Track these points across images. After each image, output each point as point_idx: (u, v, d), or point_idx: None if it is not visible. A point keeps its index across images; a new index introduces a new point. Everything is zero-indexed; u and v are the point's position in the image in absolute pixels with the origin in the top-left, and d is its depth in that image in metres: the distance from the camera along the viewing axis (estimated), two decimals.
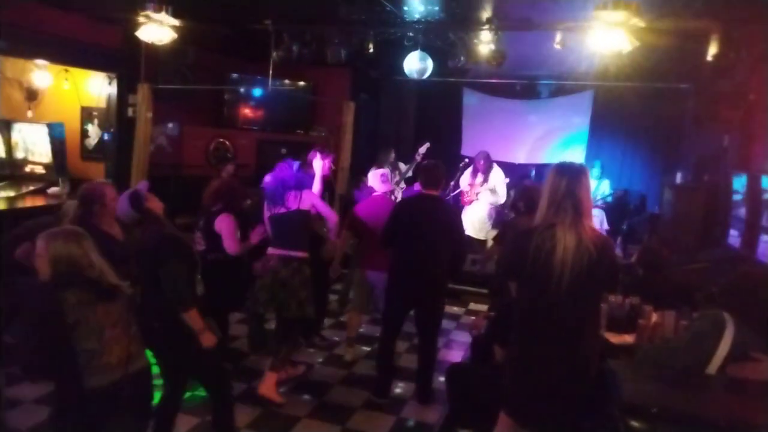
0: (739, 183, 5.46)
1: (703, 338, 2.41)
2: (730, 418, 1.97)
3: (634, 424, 1.94)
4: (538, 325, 2.59)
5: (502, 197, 7.53)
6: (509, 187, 7.50)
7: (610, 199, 7.97)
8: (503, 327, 2.91)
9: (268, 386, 4.05)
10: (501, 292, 3.40)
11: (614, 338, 3.32)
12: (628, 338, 3.32)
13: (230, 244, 4.13)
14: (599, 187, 8.02)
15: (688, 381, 2.33)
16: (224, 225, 4.15)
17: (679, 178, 6.78)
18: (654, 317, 3.31)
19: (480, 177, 7.52)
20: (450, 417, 3.57)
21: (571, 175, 2.57)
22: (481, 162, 7.45)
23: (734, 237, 5.51)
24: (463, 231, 4.38)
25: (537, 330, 2.59)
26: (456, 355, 5.32)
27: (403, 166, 7.31)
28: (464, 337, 5.63)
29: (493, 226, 7.61)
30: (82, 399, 2.36)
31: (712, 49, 5.47)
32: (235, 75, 8.28)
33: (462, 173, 7.72)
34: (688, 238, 5.94)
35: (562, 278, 2.45)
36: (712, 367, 2.32)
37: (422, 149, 7.16)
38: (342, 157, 7.37)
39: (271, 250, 4.15)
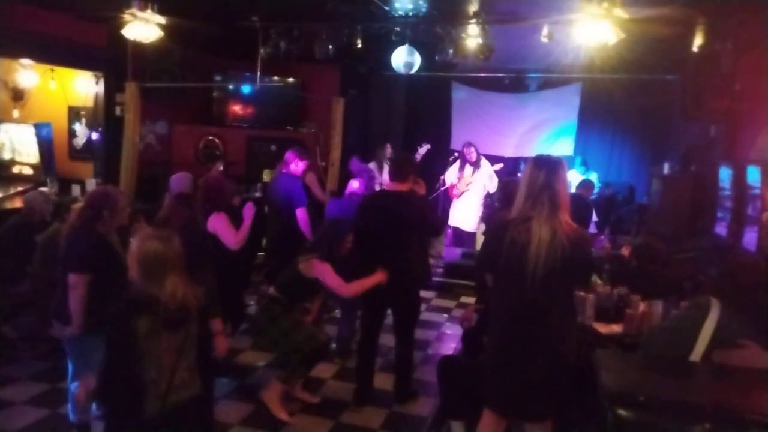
0: (726, 173, 5.52)
1: (685, 320, 2.44)
2: (717, 404, 1.99)
3: (621, 412, 1.96)
4: (514, 318, 2.61)
5: (494, 187, 7.56)
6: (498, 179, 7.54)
7: (593, 196, 8.01)
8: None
9: (270, 396, 3.89)
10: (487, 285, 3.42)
11: (602, 328, 3.37)
12: (616, 328, 3.37)
13: (229, 239, 4.08)
14: None
15: (675, 368, 2.35)
16: (217, 224, 4.11)
17: (666, 168, 6.83)
18: (641, 307, 3.35)
19: (469, 168, 7.53)
20: (441, 409, 3.59)
21: (548, 167, 2.59)
22: (473, 152, 7.48)
23: (721, 228, 5.57)
24: (434, 218, 4.18)
25: (513, 322, 2.61)
26: (447, 347, 5.34)
27: None
28: (456, 330, 5.66)
29: (482, 219, 7.65)
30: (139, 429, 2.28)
31: (698, 40, 5.51)
32: (223, 72, 8.25)
33: (450, 167, 7.75)
34: (675, 228, 6.00)
35: (536, 271, 2.48)
36: (697, 351, 2.34)
37: (422, 150, 7.17)
38: (332, 153, 7.37)
39: None
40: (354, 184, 4.93)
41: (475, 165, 7.52)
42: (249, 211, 4.17)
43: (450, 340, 5.52)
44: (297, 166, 5.13)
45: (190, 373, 2.38)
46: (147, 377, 2.24)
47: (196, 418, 2.45)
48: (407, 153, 4.32)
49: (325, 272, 3.75)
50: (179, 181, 4.20)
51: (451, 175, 7.70)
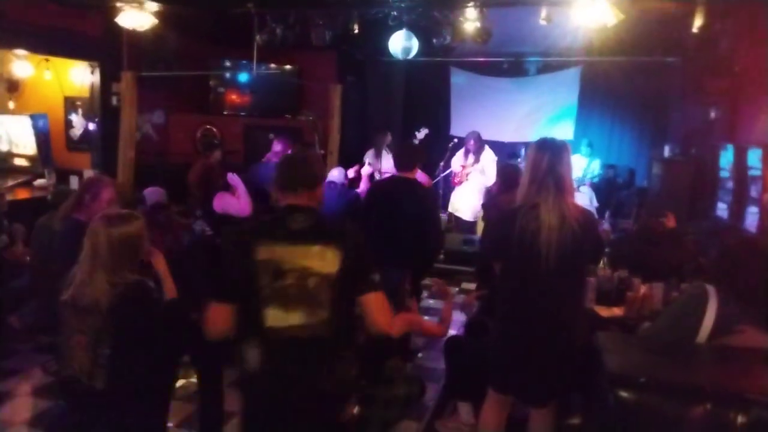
0: (726, 155, 5.49)
1: (685, 315, 2.39)
2: (718, 385, 1.99)
3: (623, 394, 1.95)
4: (525, 304, 2.58)
5: (491, 178, 7.48)
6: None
7: (597, 180, 7.99)
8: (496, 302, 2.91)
9: None
10: (491, 270, 3.40)
11: (603, 311, 3.36)
12: (617, 311, 3.36)
13: (238, 208, 4.27)
14: (590, 166, 8.02)
15: (676, 351, 2.35)
16: (223, 202, 4.20)
17: (667, 151, 6.80)
18: (642, 289, 3.34)
19: (471, 158, 7.47)
20: (448, 389, 3.60)
21: (552, 151, 2.54)
22: (471, 142, 7.39)
23: (722, 210, 5.56)
24: (436, 222, 3.98)
25: (524, 308, 2.59)
26: (450, 332, 5.33)
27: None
28: (458, 315, 5.64)
29: (483, 206, 7.60)
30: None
31: (698, 21, 5.46)
32: (219, 60, 8.19)
33: (452, 153, 7.68)
34: (676, 211, 5.98)
35: (549, 258, 2.45)
36: (699, 341, 2.32)
37: (420, 135, 7.10)
38: (330, 140, 7.34)
39: None
40: (333, 173, 4.93)
41: (476, 155, 7.43)
42: (235, 180, 4.38)
43: (452, 326, 5.50)
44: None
45: (92, 364, 2.31)
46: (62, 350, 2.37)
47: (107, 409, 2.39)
48: (411, 142, 4.30)
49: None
50: (155, 192, 4.29)
51: (456, 162, 7.62)
